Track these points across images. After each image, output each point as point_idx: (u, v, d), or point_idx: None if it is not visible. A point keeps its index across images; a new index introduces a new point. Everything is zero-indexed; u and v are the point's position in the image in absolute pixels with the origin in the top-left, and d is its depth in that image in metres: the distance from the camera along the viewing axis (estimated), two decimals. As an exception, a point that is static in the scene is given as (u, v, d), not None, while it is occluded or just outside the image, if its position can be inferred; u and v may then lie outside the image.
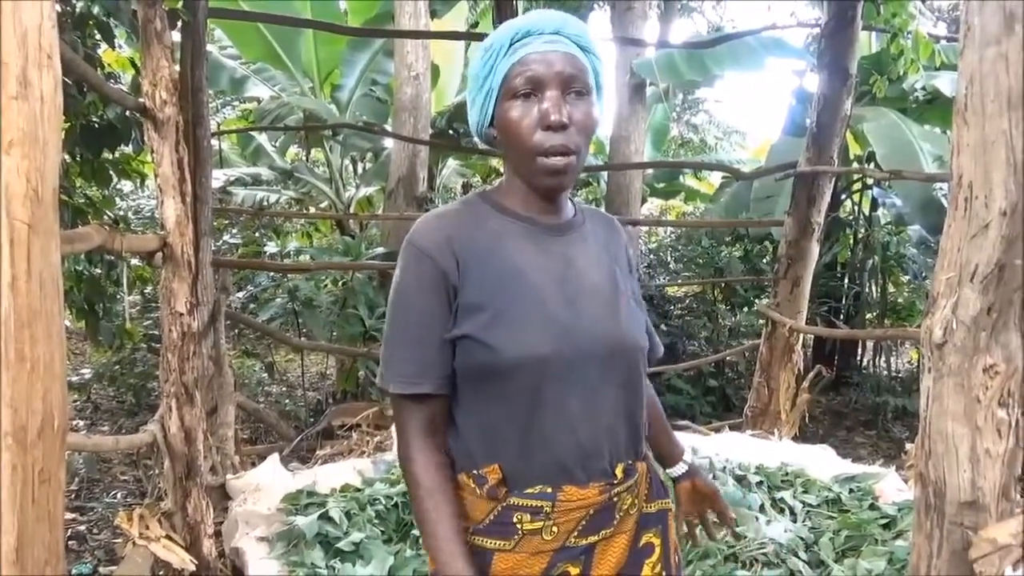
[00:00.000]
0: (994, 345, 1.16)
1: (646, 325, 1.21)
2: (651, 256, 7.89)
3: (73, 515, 3.52)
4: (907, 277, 6.58)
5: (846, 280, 6.62)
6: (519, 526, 1.09)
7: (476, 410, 1.10)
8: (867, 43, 6.66)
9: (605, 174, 8.47)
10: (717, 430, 3.97)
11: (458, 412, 1.12)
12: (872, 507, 2.83)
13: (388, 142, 6.76)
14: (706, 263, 6.76)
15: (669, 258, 7.57)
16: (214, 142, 4.07)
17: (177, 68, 2.53)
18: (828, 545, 2.58)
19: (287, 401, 5.64)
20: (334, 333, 5.37)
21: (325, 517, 2.57)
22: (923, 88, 5.88)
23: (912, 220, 5.98)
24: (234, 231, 6.22)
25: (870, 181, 6.22)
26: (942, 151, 5.22)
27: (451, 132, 6.89)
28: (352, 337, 5.09)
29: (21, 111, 1.03)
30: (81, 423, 4.93)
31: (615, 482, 1.13)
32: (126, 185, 6.01)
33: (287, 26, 6.07)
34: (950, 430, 1.21)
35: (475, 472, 1.10)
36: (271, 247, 5.96)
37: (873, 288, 6.44)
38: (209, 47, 5.17)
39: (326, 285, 5.54)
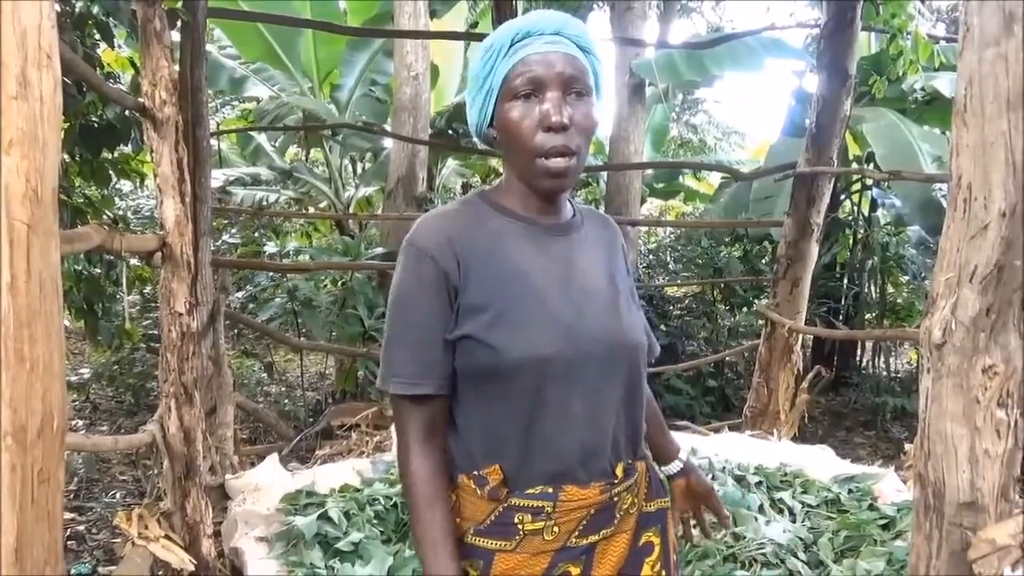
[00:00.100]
0: (993, 346, 1.16)
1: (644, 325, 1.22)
2: (650, 256, 7.90)
3: (72, 515, 3.52)
4: (906, 278, 6.59)
5: (845, 281, 6.62)
6: (520, 526, 1.09)
7: (477, 411, 1.10)
8: (866, 44, 6.67)
9: (604, 174, 8.48)
10: (716, 430, 3.97)
11: (459, 413, 1.12)
12: (871, 507, 2.83)
13: (387, 142, 6.76)
14: (705, 263, 6.76)
15: (668, 258, 7.58)
16: (213, 142, 4.06)
17: (176, 68, 2.53)
18: (827, 545, 2.58)
19: (286, 401, 5.64)
20: (333, 333, 5.37)
21: (324, 517, 2.57)
22: (922, 89, 5.88)
23: (911, 221, 5.99)
24: (233, 231, 6.22)
25: (869, 182, 6.22)
26: (941, 152, 5.23)
27: (450, 132, 6.89)
28: (351, 337, 5.09)
29: (20, 111, 1.03)
30: (80, 423, 4.93)
31: (615, 481, 1.13)
32: (125, 185, 6.01)
33: (286, 26, 6.07)
34: (949, 431, 1.21)
35: (476, 473, 1.10)
36: (270, 247, 5.96)
37: (872, 289, 6.45)
38: (208, 47, 5.18)
39: (325, 285, 5.54)
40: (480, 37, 3.46)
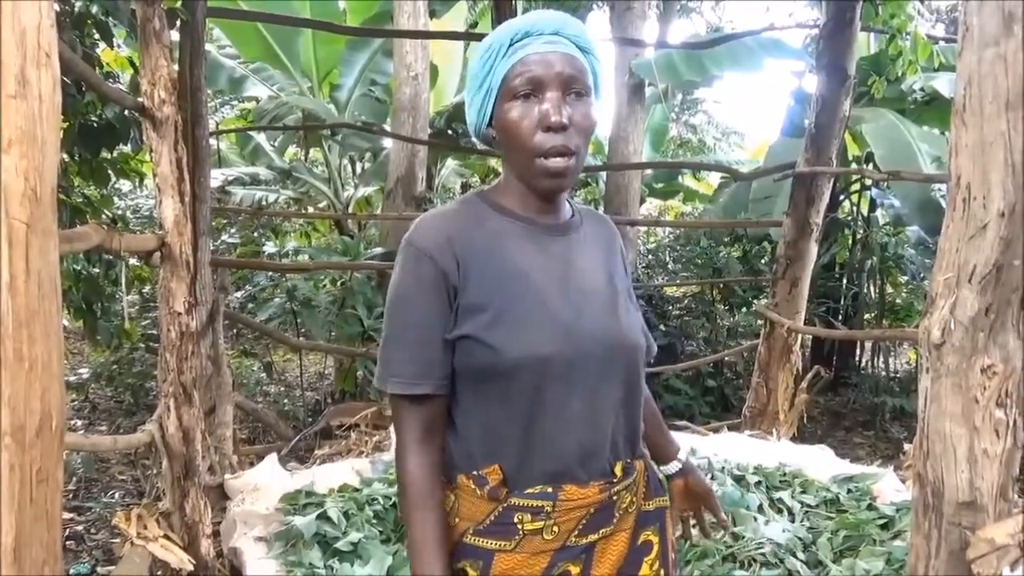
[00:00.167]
0: (992, 346, 1.17)
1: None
2: (649, 256, 7.90)
3: (71, 515, 3.52)
4: (905, 278, 6.59)
5: (844, 281, 6.62)
6: (520, 526, 1.09)
7: (476, 411, 1.10)
8: (866, 44, 6.67)
9: (604, 174, 8.48)
10: (715, 430, 3.97)
11: (458, 413, 1.12)
12: (870, 507, 2.83)
13: (387, 142, 6.76)
14: (704, 263, 6.76)
15: (667, 258, 7.57)
16: (212, 141, 4.06)
17: (176, 67, 2.53)
18: (826, 545, 2.58)
19: (285, 401, 5.64)
20: (332, 333, 5.37)
21: (323, 517, 2.57)
22: (921, 89, 5.89)
23: (910, 221, 5.99)
24: (232, 231, 6.22)
25: (868, 182, 6.22)
26: (940, 152, 5.23)
27: (450, 132, 6.89)
28: (351, 337, 5.09)
29: (19, 110, 1.03)
30: (79, 423, 4.93)
31: (615, 481, 1.13)
32: (124, 184, 6.00)
33: (286, 26, 6.07)
34: (948, 430, 1.21)
35: (475, 473, 1.10)
36: (269, 247, 5.96)
37: (871, 289, 6.45)
38: (208, 46, 5.17)
39: (325, 285, 5.54)
40: (479, 37, 3.47)
